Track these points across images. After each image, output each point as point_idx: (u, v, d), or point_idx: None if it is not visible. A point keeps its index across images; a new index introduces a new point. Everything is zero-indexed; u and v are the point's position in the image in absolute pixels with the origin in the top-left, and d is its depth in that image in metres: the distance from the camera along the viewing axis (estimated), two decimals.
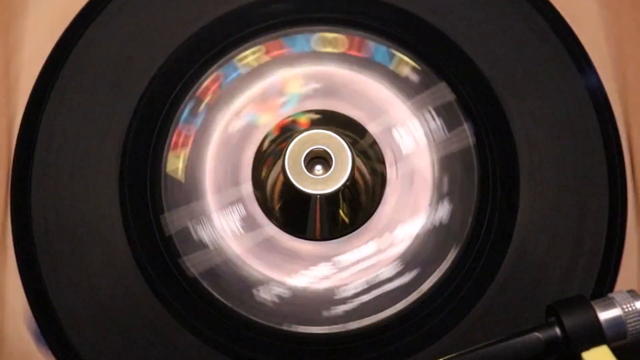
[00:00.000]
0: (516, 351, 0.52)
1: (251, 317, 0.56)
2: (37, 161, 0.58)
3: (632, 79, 0.60)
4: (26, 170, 0.58)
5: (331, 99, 0.59)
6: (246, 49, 0.59)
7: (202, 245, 0.57)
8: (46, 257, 0.57)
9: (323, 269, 0.57)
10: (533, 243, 0.57)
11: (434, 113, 0.59)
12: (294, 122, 0.59)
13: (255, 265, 0.57)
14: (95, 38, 0.59)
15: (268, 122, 0.59)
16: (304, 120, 0.59)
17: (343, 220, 0.58)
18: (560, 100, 0.58)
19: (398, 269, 0.57)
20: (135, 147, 0.58)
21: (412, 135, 0.59)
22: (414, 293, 0.56)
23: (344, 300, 0.56)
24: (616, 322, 0.52)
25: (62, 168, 0.58)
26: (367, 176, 0.59)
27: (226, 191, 0.58)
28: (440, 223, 0.57)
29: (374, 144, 0.58)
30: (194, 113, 0.59)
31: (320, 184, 0.55)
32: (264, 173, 0.59)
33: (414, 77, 0.59)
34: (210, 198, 0.58)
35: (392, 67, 0.59)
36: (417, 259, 0.57)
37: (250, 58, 0.59)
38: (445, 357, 0.52)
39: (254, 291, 0.56)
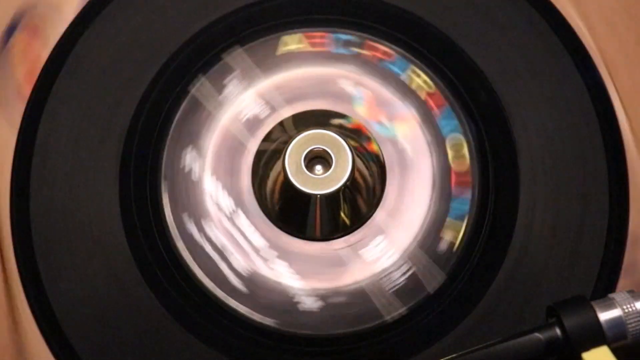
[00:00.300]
0: (516, 352, 0.52)
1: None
2: (37, 161, 0.58)
3: (632, 79, 0.60)
4: (26, 171, 0.57)
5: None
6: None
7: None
8: (46, 257, 0.56)
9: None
10: (533, 243, 0.57)
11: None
12: (293, 122, 0.59)
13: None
14: (95, 38, 0.59)
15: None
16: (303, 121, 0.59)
17: (343, 220, 0.58)
18: (560, 100, 0.58)
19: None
20: (135, 147, 0.58)
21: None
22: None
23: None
24: (616, 322, 0.52)
25: (62, 168, 0.57)
26: (367, 176, 0.59)
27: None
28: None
29: (374, 144, 0.58)
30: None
31: (320, 184, 0.55)
32: (263, 173, 0.58)
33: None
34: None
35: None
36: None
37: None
38: (446, 358, 0.52)
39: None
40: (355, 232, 0.58)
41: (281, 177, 0.57)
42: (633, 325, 0.52)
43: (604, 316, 0.52)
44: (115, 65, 0.59)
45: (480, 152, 0.58)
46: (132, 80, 0.59)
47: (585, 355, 0.51)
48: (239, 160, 0.58)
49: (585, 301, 0.52)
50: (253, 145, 0.59)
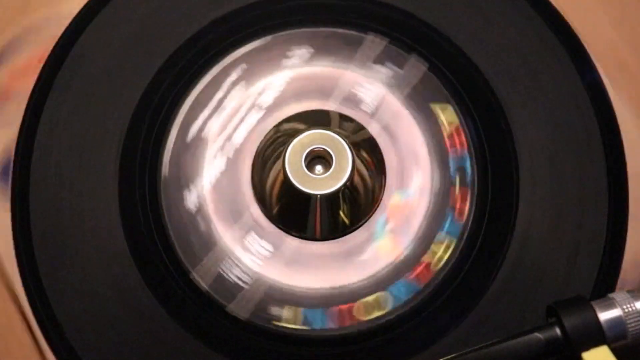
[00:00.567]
0: (516, 351, 0.52)
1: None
2: (36, 161, 0.58)
3: (632, 79, 0.60)
4: (26, 171, 0.57)
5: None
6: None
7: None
8: (45, 257, 0.56)
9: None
10: (533, 243, 0.57)
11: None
12: (293, 122, 0.59)
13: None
14: (94, 38, 0.59)
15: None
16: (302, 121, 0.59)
17: (343, 220, 0.58)
18: (559, 100, 0.58)
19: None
20: (135, 147, 0.58)
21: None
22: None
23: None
24: (616, 322, 0.52)
25: (62, 168, 0.57)
26: (367, 176, 0.59)
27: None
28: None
29: (374, 143, 0.58)
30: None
31: (320, 184, 0.55)
32: (263, 173, 0.58)
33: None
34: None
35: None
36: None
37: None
38: (446, 358, 0.52)
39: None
40: (355, 232, 0.58)
41: (281, 177, 0.57)
42: (633, 325, 0.52)
43: (604, 316, 0.52)
44: (115, 65, 0.59)
45: (480, 152, 0.58)
46: (132, 80, 0.59)
47: (585, 355, 0.51)
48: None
49: (585, 301, 0.52)
50: (253, 145, 0.59)
